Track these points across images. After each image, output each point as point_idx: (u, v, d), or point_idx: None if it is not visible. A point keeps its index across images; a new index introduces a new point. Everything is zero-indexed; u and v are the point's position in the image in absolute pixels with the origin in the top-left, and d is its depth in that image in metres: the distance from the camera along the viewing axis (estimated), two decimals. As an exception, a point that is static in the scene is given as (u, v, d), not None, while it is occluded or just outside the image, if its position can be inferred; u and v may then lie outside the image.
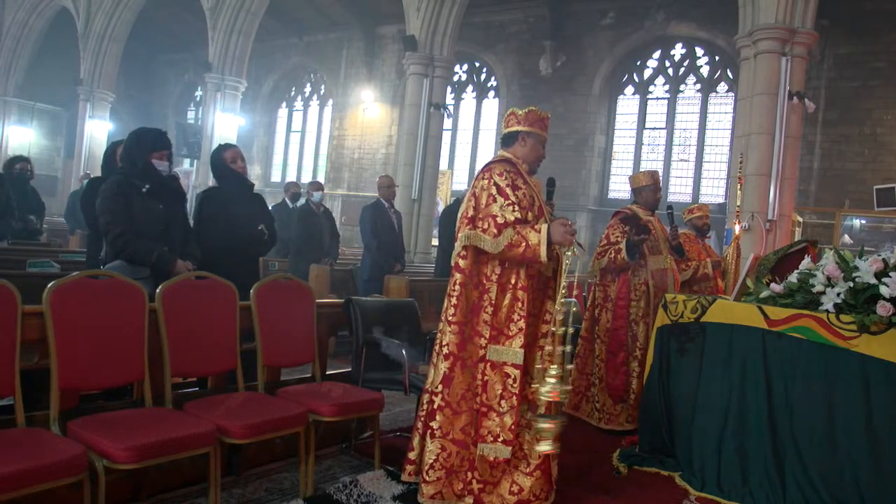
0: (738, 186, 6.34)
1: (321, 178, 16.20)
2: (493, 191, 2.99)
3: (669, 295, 4.01)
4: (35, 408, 2.53)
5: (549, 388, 2.68)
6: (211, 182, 8.06)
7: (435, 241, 10.78)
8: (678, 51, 13.10)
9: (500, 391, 2.92)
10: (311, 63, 17.75)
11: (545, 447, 2.74)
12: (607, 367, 4.67)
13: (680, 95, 13.12)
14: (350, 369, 3.87)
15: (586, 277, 7.96)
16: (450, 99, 14.14)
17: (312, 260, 7.16)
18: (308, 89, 18.38)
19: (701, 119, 12.84)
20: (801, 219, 10.14)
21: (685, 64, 13.08)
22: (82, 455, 2.14)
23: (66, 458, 2.07)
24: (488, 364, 2.93)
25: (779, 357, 3.32)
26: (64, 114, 19.09)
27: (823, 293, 3.29)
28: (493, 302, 2.95)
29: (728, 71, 12.48)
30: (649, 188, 4.89)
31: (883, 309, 3.01)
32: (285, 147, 18.67)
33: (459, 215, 3.08)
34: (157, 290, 2.88)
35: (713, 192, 12.52)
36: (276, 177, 18.43)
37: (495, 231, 2.90)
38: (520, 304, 2.95)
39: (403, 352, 3.54)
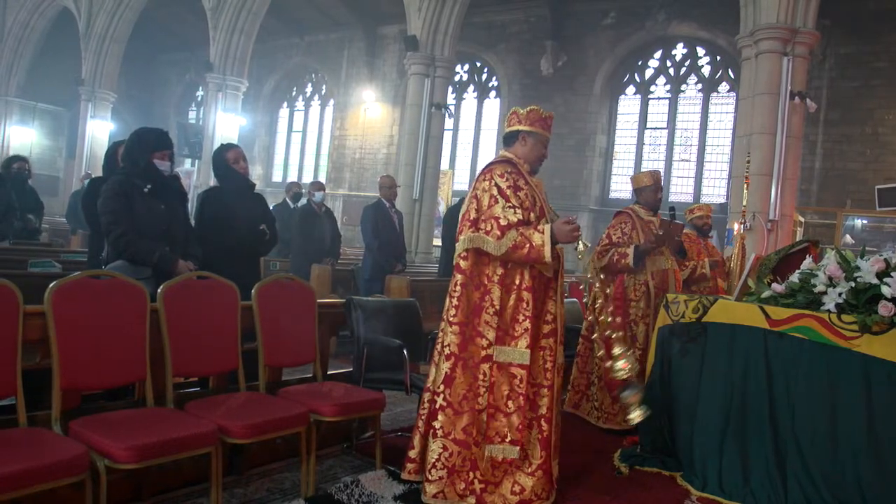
0: (745, 186, 6.32)
1: (322, 178, 16.20)
2: (495, 192, 2.99)
3: (671, 295, 4.01)
4: (37, 408, 2.53)
5: (622, 364, 3.09)
6: (212, 182, 8.07)
7: (436, 241, 10.80)
8: (679, 51, 13.10)
9: (506, 392, 2.94)
10: (312, 63, 17.76)
11: (636, 414, 3.16)
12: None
13: (681, 95, 13.11)
14: (351, 369, 3.87)
15: (587, 277, 7.97)
16: (451, 99, 14.14)
17: (314, 260, 7.17)
18: (309, 89, 18.39)
19: (702, 119, 12.84)
20: (802, 219, 10.13)
21: (686, 64, 13.08)
22: (84, 455, 2.14)
23: (67, 458, 2.08)
24: (494, 365, 2.94)
25: (780, 357, 3.32)
26: (65, 114, 19.12)
27: (825, 293, 3.28)
28: (494, 303, 2.95)
29: (729, 71, 12.47)
30: (650, 188, 4.89)
31: (884, 309, 3.01)
32: (286, 147, 18.68)
33: (461, 217, 3.08)
34: (159, 290, 2.88)
35: (714, 192, 12.52)
36: (277, 177, 18.44)
37: (498, 233, 2.91)
38: (525, 305, 2.96)
39: (404, 352, 3.54)
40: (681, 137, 13.12)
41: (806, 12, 7.82)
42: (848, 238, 10.36)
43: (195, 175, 14.19)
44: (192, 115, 20.58)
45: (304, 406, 2.92)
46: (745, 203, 6.24)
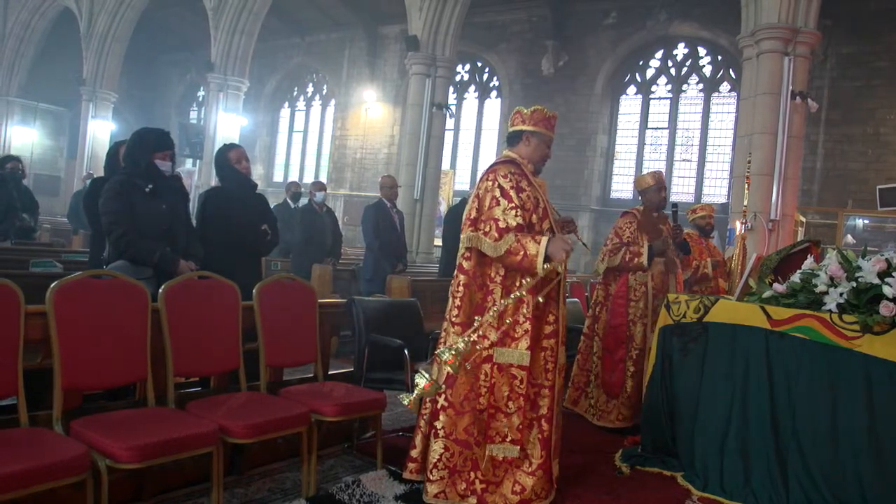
0: (746, 186, 6.32)
1: (323, 178, 16.21)
2: (497, 193, 2.99)
3: (672, 295, 4.00)
4: (38, 407, 2.53)
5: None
6: (214, 182, 8.07)
7: (437, 241, 10.80)
8: (681, 50, 13.08)
9: (507, 393, 2.94)
10: (313, 63, 17.76)
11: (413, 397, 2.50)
12: (604, 364, 4.68)
13: (682, 95, 13.10)
14: (352, 369, 3.87)
15: (589, 277, 7.97)
16: (452, 99, 14.13)
17: (315, 260, 7.17)
18: (310, 89, 18.39)
19: (703, 119, 12.83)
20: (803, 219, 10.12)
21: (688, 64, 13.06)
22: (85, 455, 2.15)
23: (68, 458, 2.08)
24: (495, 366, 2.94)
25: (781, 357, 3.32)
26: (67, 114, 19.13)
27: (826, 293, 3.28)
28: (496, 303, 2.95)
29: (731, 71, 12.46)
30: (653, 188, 4.89)
31: (886, 309, 3.01)
32: (288, 147, 18.69)
33: (463, 216, 3.08)
34: (160, 290, 2.89)
35: (716, 191, 12.51)
36: (278, 177, 18.44)
37: (496, 235, 2.90)
38: (525, 306, 2.96)
39: (405, 351, 3.54)
40: (682, 137, 13.11)
41: (807, 12, 7.82)
42: (849, 238, 10.35)
43: (196, 175, 14.20)
44: (193, 115, 20.58)
45: (305, 406, 2.93)
46: (745, 203, 6.23)
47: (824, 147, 11.05)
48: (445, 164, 13.77)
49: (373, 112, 16.24)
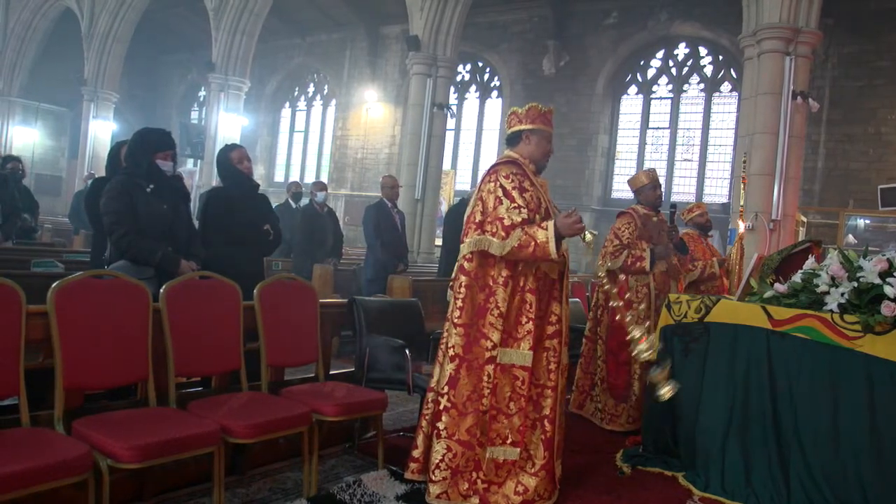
0: (742, 186, 6.33)
1: (324, 178, 16.21)
2: (500, 193, 2.98)
3: (673, 295, 4.00)
4: (39, 407, 2.53)
5: (644, 346, 3.01)
6: (215, 182, 8.08)
7: (438, 241, 10.79)
8: (682, 50, 13.07)
9: (508, 393, 2.94)
10: (314, 63, 17.76)
11: (666, 390, 3.05)
12: (608, 367, 4.67)
13: (683, 95, 13.09)
14: (353, 369, 3.87)
15: (589, 277, 7.97)
16: (453, 99, 14.12)
17: (316, 260, 7.18)
18: (311, 89, 18.39)
19: (704, 119, 12.82)
20: (804, 219, 10.11)
21: (689, 63, 13.05)
22: (86, 454, 2.15)
23: (70, 458, 2.08)
24: (497, 367, 2.94)
25: (783, 357, 3.32)
26: (68, 114, 19.14)
27: (827, 293, 3.28)
28: (499, 304, 2.95)
29: (732, 70, 12.45)
30: (648, 187, 4.89)
31: (887, 309, 3.01)
32: (289, 147, 18.69)
33: (466, 218, 3.07)
34: (161, 290, 2.89)
35: (717, 191, 12.50)
36: (279, 177, 18.45)
37: (503, 234, 2.90)
38: (528, 307, 2.96)
39: (407, 351, 3.54)
40: (683, 137, 13.09)
41: (808, 12, 7.81)
42: (850, 238, 10.34)
43: (197, 175, 14.20)
44: (194, 115, 20.58)
45: (306, 406, 2.93)
46: (742, 202, 6.24)
47: (825, 147, 11.04)
48: (446, 165, 13.76)
49: (374, 112, 16.25)
